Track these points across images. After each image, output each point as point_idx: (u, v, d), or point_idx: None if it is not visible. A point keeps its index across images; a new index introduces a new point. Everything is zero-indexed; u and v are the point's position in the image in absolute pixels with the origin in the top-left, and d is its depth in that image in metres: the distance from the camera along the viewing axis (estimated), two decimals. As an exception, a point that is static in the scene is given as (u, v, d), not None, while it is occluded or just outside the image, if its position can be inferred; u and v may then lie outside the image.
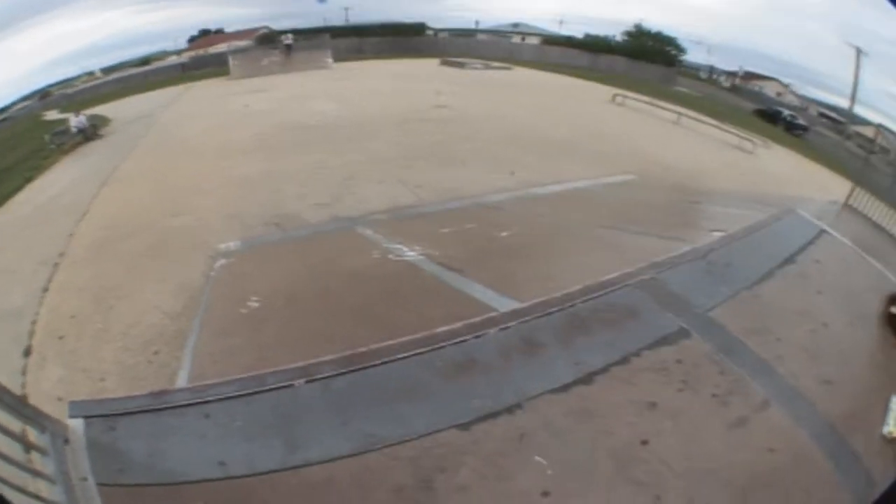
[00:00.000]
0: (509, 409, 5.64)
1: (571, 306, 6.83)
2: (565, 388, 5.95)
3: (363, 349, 6.00)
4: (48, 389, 6.09)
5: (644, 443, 5.49)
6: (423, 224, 8.43)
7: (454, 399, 5.75)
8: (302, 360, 5.85)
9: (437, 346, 6.13)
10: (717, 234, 8.98)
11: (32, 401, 5.79)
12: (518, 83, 20.11)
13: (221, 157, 12.41)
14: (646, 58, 30.09)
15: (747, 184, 13.18)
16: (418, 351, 6.10)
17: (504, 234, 8.25)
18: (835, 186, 12.60)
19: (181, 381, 6.08)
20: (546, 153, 10.72)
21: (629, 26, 26.01)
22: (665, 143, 14.57)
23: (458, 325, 6.30)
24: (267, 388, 5.72)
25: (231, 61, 31.06)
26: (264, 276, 6.88)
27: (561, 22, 32.23)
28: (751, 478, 5.27)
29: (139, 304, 7.08)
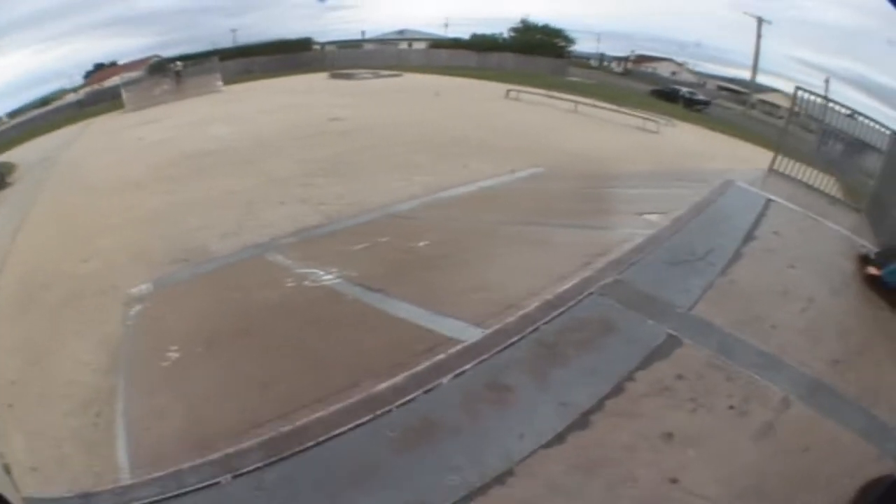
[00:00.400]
0: (499, 480, 4.73)
1: (533, 331, 6.15)
2: (559, 438, 5.16)
3: (294, 426, 5.22)
4: (22, 460, 5.61)
5: (673, 481, 4.88)
6: (334, 243, 8.10)
7: (423, 477, 4.79)
8: (236, 411, 5.34)
9: (381, 410, 5.23)
10: (651, 217, 8.76)
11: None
12: (409, 88, 19.93)
13: (121, 193, 11.89)
14: (535, 51, 30.33)
15: (660, 162, 13.11)
16: (360, 421, 5.19)
17: (421, 243, 7.95)
18: (748, 154, 12.65)
19: (120, 455, 5.49)
20: (449, 154, 10.50)
21: (515, 22, 26.16)
22: (567, 132, 14.57)
23: (401, 377, 5.51)
24: (189, 488, 4.98)
25: (124, 94, 30.31)
26: (180, 319, 6.44)
27: (446, 25, 32.31)
28: (795, 483, 4.95)
29: (69, 361, 6.53)
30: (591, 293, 6.85)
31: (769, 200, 9.68)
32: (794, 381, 5.93)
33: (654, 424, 5.32)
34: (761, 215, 8.69)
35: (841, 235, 8.54)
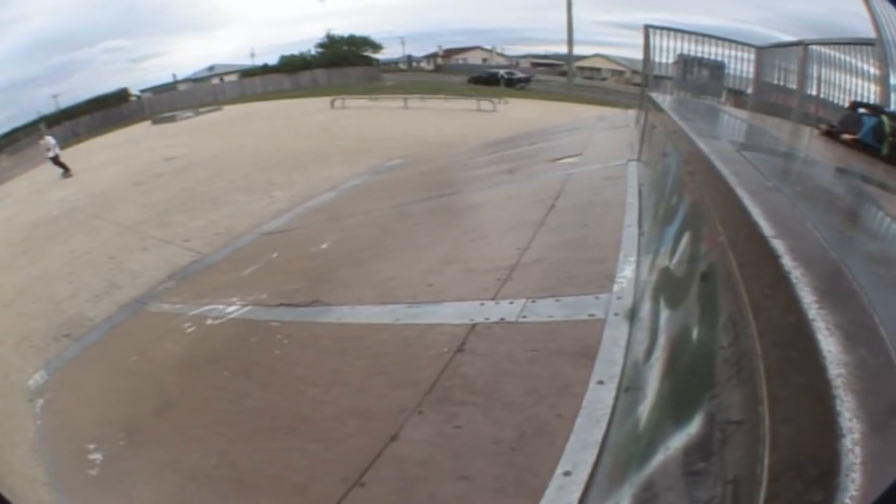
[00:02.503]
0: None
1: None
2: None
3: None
4: None
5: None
6: (218, 275, 7.14)
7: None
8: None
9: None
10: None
11: None
12: (233, 119, 19.61)
13: None
14: (345, 63, 30.10)
15: (509, 129, 12.83)
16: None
17: (323, 245, 7.08)
18: (593, 111, 12.68)
19: None
20: (304, 165, 9.85)
21: (321, 38, 25.93)
22: (410, 125, 14.20)
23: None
24: None
25: None
26: (89, 407, 5.28)
27: (253, 54, 32.00)
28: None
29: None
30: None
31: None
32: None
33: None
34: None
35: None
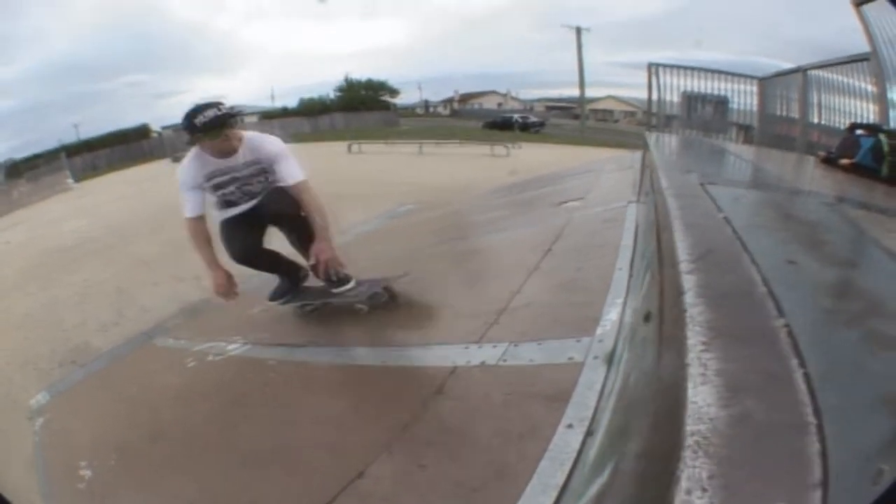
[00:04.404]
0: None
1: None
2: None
3: None
4: None
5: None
6: (225, 314, 7.19)
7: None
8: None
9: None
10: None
11: None
12: None
13: None
14: (363, 108, 30.32)
15: (524, 176, 12.88)
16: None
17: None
18: (602, 154, 12.70)
19: None
20: None
21: (339, 82, 26.12)
22: (424, 171, 14.25)
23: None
24: None
25: None
26: (86, 429, 5.42)
27: (272, 96, 32.26)
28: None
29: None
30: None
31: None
32: None
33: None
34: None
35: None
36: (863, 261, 3.32)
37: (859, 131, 8.56)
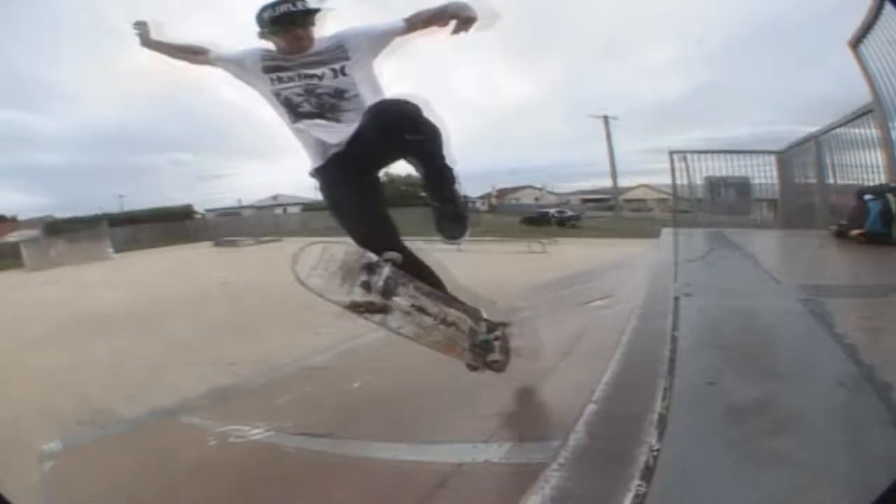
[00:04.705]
0: None
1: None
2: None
3: None
4: None
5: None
6: (252, 400, 7.17)
7: None
8: None
9: None
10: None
11: None
12: (292, 251, 19.97)
13: (24, 349, 11.23)
14: (403, 202, 30.80)
15: (557, 273, 12.93)
16: None
17: (355, 385, 7.22)
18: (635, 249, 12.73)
19: None
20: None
21: (382, 177, 26.87)
22: (456, 269, 14.37)
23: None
24: None
25: (24, 252, 30.01)
26: (93, 480, 5.50)
27: (317, 188, 33.46)
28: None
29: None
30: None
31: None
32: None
33: None
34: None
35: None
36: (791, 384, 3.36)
37: (867, 196, 8.50)
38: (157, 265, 27.19)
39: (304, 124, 4.68)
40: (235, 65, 4.77)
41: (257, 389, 7.69)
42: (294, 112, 4.66)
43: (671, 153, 14.69)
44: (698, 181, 14.99)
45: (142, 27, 4.85)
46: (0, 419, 7.42)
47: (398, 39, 4.60)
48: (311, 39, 4.50)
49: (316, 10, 4.44)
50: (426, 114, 4.33)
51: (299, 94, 4.58)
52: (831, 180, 11.53)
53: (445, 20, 4.44)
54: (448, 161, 4.55)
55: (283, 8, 4.32)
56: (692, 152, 14.54)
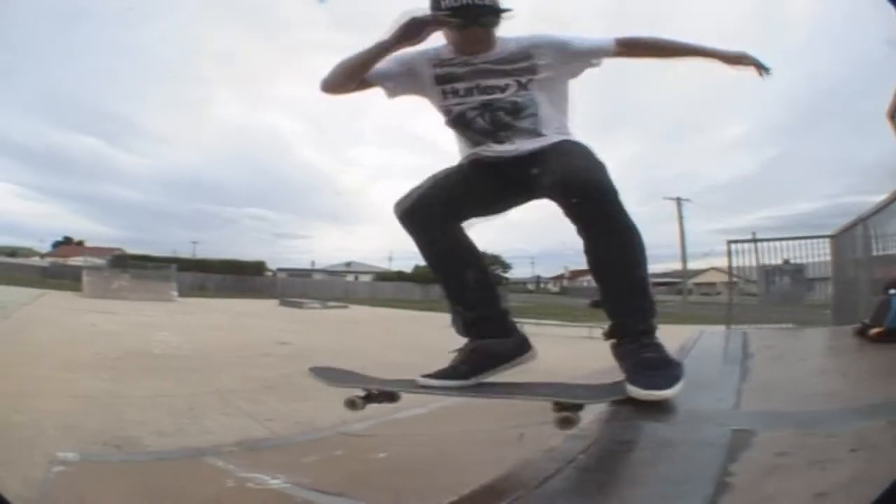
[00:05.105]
0: None
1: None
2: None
3: None
4: None
5: None
6: (280, 455, 7.12)
7: None
8: None
9: None
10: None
11: None
12: (356, 320, 20.08)
13: (65, 369, 11.46)
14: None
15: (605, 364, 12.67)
16: None
17: (381, 455, 7.11)
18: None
19: None
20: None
21: None
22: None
23: None
24: None
25: (85, 278, 30.81)
26: (103, 489, 5.54)
27: (390, 258, 33.47)
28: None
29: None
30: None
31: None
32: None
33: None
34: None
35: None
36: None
37: (892, 290, 7.55)
38: (218, 314, 27.53)
39: (475, 147, 3.93)
40: (405, 76, 3.93)
41: (287, 446, 7.65)
42: (465, 129, 3.94)
43: (729, 242, 14.84)
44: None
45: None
46: (21, 422, 7.54)
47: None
48: (492, 41, 3.79)
49: (506, 10, 3.64)
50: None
51: (474, 109, 3.85)
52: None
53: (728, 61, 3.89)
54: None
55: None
56: (747, 241, 14.70)
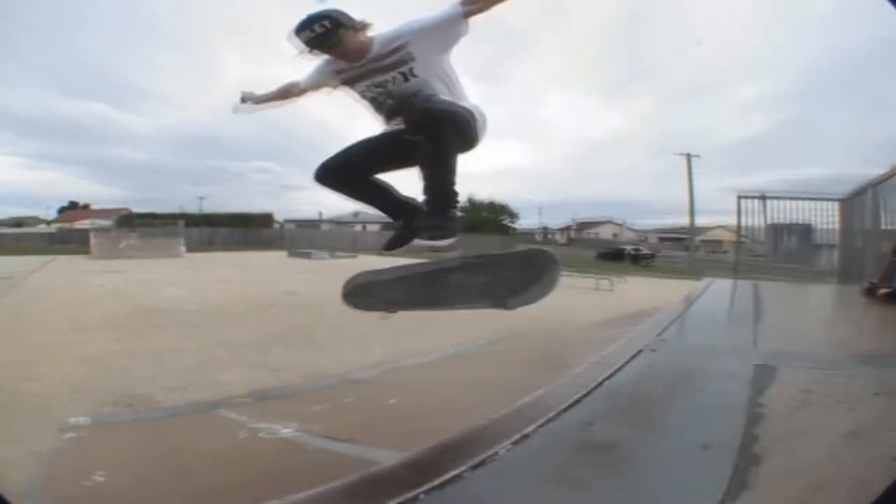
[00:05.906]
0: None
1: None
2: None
3: None
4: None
5: None
6: (291, 404, 7.27)
7: None
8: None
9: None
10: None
11: None
12: (365, 268, 20.07)
13: (73, 331, 11.64)
14: (482, 229, 30.63)
15: (616, 313, 12.69)
16: None
17: (392, 401, 7.23)
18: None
19: None
20: (406, 329, 9.82)
21: (463, 202, 26.86)
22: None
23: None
24: None
25: (92, 240, 30.81)
26: (114, 451, 5.62)
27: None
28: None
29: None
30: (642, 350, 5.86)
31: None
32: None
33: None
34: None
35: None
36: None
37: None
38: (226, 268, 28.41)
39: (394, 123, 4.45)
40: (324, 83, 4.62)
41: (297, 395, 7.81)
42: (384, 113, 4.52)
43: (739, 197, 14.71)
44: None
45: (248, 95, 4.87)
46: (29, 391, 7.66)
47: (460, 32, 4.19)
48: (362, 45, 4.20)
49: (340, 28, 4.04)
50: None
51: (380, 96, 4.40)
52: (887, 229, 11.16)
53: None
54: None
55: (305, 36, 4.04)
56: (757, 197, 14.52)
